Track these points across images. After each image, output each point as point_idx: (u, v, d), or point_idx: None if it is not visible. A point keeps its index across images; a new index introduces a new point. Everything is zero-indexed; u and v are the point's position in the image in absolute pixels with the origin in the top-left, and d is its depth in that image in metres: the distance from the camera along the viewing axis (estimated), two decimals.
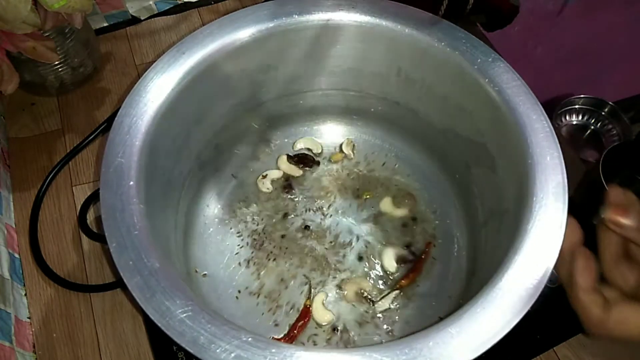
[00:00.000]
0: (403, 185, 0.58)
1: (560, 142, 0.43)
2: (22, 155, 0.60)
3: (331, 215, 0.56)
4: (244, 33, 0.49)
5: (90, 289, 0.52)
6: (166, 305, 0.35)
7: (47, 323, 0.51)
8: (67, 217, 0.56)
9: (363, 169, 0.59)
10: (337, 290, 0.51)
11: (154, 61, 0.47)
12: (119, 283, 0.52)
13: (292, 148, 0.60)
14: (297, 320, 0.49)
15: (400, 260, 0.53)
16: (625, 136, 1.10)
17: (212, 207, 0.56)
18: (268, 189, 0.57)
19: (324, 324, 0.49)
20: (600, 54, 1.09)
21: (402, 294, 0.51)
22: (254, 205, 0.56)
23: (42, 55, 0.52)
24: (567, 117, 1.15)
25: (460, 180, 0.55)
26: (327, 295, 0.51)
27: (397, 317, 0.50)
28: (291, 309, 0.50)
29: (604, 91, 1.15)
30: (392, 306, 0.50)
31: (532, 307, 0.36)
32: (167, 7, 0.72)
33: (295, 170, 0.58)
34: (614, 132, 1.12)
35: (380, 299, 0.50)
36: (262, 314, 0.50)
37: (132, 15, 0.71)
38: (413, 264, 0.52)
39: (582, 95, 1.12)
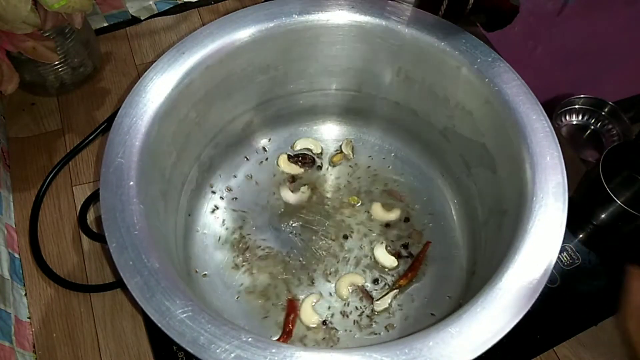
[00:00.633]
0: (402, 185, 0.58)
1: (560, 142, 0.43)
2: (22, 155, 0.60)
3: (330, 216, 0.56)
4: (244, 33, 0.49)
5: (90, 289, 0.52)
6: (166, 306, 0.35)
7: (47, 323, 0.51)
8: (67, 217, 0.56)
9: (362, 169, 0.59)
10: (333, 290, 0.51)
11: (154, 61, 0.47)
12: (119, 283, 0.52)
13: (292, 148, 0.60)
14: (287, 315, 0.49)
15: (398, 259, 0.53)
16: (625, 136, 1.09)
17: (212, 207, 0.56)
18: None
19: (311, 325, 0.49)
20: (600, 54, 1.09)
21: (401, 293, 0.51)
22: (254, 204, 0.56)
23: (42, 55, 0.52)
24: (567, 117, 1.15)
25: (460, 180, 0.55)
26: (319, 297, 0.51)
27: (396, 317, 0.50)
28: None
29: (604, 91, 1.15)
30: (391, 306, 0.50)
31: (532, 307, 0.36)
32: (167, 7, 0.72)
33: (295, 170, 0.58)
34: (614, 132, 1.11)
35: (379, 299, 0.50)
36: (262, 313, 0.50)
37: (132, 15, 0.71)
38: (411, 263, 0.52)
39: (582, 95, 1.12)
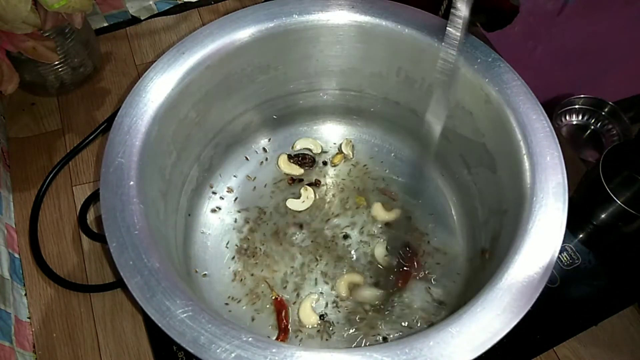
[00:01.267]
0: (402, 185, 0.58)
1: (560, 142, 0.43)
2: (22, 155, 0.60)
3: (330, 216, 0.56)
4: (244, 33, 0.49)
5: (90, 289, 0.52)
6: (166, 305, 0.35)
7: (47, 323, 0.51)
8: (67, 217, 0.56)
9: (362, 169, 0.59)
10: (333, 290, 0.51)
11: (154, 61, 0.47)
12: (119, 283, 0.52)
13: (292, 148, 0.60)
14: (278, 314, 0.49)
15: (398, 259, 0.53)
16: (625, 136, 1.10)
17: (212, 207, 0.56)
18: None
19: (309, 326, 0.49)
20: (600, 54, 1.09)
21: (400, 293, 0.51)
22: (254, 204, 0.56)
23: (42, 55, 0.52)
24: (567, 117, 1.15)
25: (460, 180, 0.55)
26: (319, 297, 0.51)
27: (395, 317, 0.50)
28: (292, 307, 0.50)
29: (604, 91, 1.15)
30: (390, 306, 0.50)
31: (532, 307, 0.36)
32: (167, 7, 0.72)
33: (295, 170, 0.58)
34: (614, 132, 1.11)
35: (378, 299, 0.50)
36: (262, 313, 0.50)
37: (132, 15, 0.71)
38: (407, 265, 0.52)
39: (582, 95, 1.12)
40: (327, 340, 0.49)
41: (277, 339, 0.48)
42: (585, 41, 1.03)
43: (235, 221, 0.55)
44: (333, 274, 0.52)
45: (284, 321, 0.49)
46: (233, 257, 0.53)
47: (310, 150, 0.60)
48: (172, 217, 0.48)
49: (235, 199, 0.56)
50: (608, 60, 1.13)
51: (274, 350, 0.33)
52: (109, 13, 0.70)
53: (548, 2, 0.90)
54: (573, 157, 0.60)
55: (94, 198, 0.56)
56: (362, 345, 0.48)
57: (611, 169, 0.53)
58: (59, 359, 0.49)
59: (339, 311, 0.50)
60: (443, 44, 0.43)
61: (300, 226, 0.55)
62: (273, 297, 0.50)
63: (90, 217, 0.55)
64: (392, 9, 0.51)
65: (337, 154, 0.60)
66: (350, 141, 0.60)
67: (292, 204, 0.56)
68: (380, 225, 0.55)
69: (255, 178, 0.58)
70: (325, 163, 0.59)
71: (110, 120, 0.62)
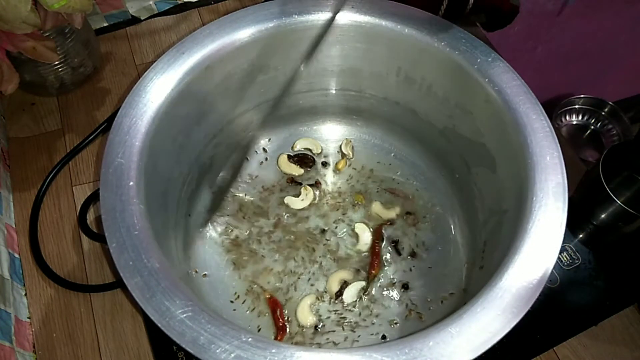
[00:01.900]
0: (402, 185, 0.58)
1: (560, 142, 0.43)
2: (22, 155, 0.60)
3: (330, 216, 0.56)
4: (244, 33, 0.49)
5: (90, 289, 0.52)
6: (166, 306, 0.35)
7: (47, 323, 0.51)
8: (67, 217, 0.56)
9: (362, 169, 0.59)
10: (329, 289, 0.51)
11: (154, 61, 0.47)
12: (119, 283, 0.52)
13: (292, 148, 0.60)
14: (273, 313, 0.49)
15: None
16: (625, 136, 1.10)
17: (211, 207, 0.55)
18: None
19: (307, 325, 0.49)
20: (600, 54, 1.09)
21: (399, 293, 0.51)
22: (254, 204, 0.56)
23: (42, 55, 0.52)
24: (567, 117, 1.15)
25: (460, 180, 0.55)
26: (316, 298, 0.50)
27: (395, 317, 0.50)
28: (290, 307, 0.50)
29: (604, 91, 1.15)
30: (390, 306, 0.50)
31: (532, 307, 0.36)
32: (167, 7, 0.72)
33: (295, 170, 0.58)
34: (614, 132, 1.12)
35: (376, 298, 0.50)
36: (262, 312, 0.50)
37: (132, 15, 0.71)
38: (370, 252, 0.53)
39: (582, 95, 1.12)
40: (326, 340, 0.49)
41: (275, 338, 0.48)
42: (585, 41, 1.03)
43: (235, 221, 0.55)
44: (332, 274, 0.52)
45: (280, 320, 0.49)
46: (233, 257, 0.53)
47: (310, 150, 0.60)
48: (172, 218, 0.48)
49: (235, 199, 0.56)
50: (608, 60, 1.13)
51: (273, 351, 0.33)
52: (109, 13, 0.69)
53: (548, 2, 0.90)
54: (573, 157, 0.60)
55: (94, 198, 0.56)
56: (362, 344, 0.48)
57: (611, 169, 0.53)
58: (59, 359, 0.49)
59: (338, 311, 0.50)
60: None
61: (300, 226, 0.55)
62: (267, 297, 0.50)
63: (90, 217, 0.55)
64: (392, 9, 0.51)
65: (340, 159, 0.59)
66: (350, 141, 0.60)
67: (292, 203, 0.56)
68: (379, 225, 0.55)
69: (255, 178, 0.58)
70: (325, 163, 0.59)
71: (110, 120, 0.62)
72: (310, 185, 0.57)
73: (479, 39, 0.49)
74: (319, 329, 0.49)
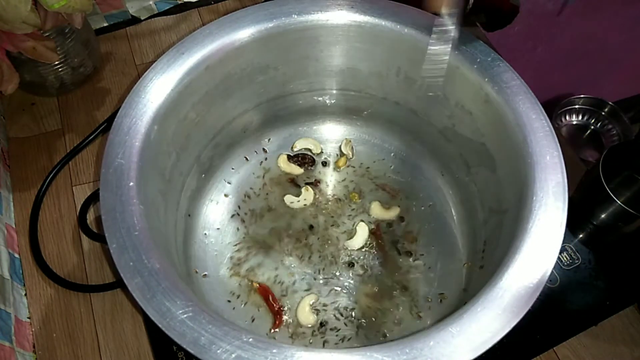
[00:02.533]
0: (402, 185, 0.58)
1: (560, 142, 0.43)
2: (22, 155, 0.60)
3: (330, 215, 0.56)
4: (244, 33, 0.49)
5: (90, 289, 0.52)
6: (167, 306, 0.35)
7: (47, 323, 0.51)
8: (67, 217, 0.56)
9: (362, 169, 0.59)
10: (331, 290, 0.51)
11: (154, 61, 0.47)
12: (119, 283, 0.52)
13: (292, 148, 0.60)
14: (266, 300, 0.50)
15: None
16: (625, 136, 1.10)
17: (211, 207, 0.56)
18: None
19: (307, 325, 0.49)
20: (600, 54, 1.09)
21: (399, 293, 0.51)
22: (254, 204, 0.56)
23: (42, 55, 0.52)
24: (567, 117, 1.15)
25: (460, 179, 0.55)
26: (316, 297, 0.50)
27: (394, 317, 0.50)
28: (290, 307, 0.50)
29: (604, 91, 1.15)
30: (389, 305, 0.50)
31: (532, 307, 0.36)
32: (167, 7, 0.72)
33: (295, 170, 0.58)
34: (614, 132, 1.11)
35: (377, 297, 0.50)
36: (262, 312, 0.50)
37: (132, 15, 0.71)
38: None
39: (582, 95, 1.12)
40: (326, 340, 0.49)
41: (274, 324, 0.49)
42: (585, 41, 1.03)
43: (235, 221, 0.55)
44: (333, 274, 0.52)
45: (274, 304, 0.49)
46: (233, 257, 0.53)
47: (310, 150, 0.60)
48: (172, 218, 0.48)
49: (235, 199, 0.56)
50: (608, 60, 1.13)
51: (274, 351, 0.33)
52: (109, 13, 0.69)
53: (548, 2, 0.90)
54: (573, 157, 0.60)
55: (94, 198, 0.56)
56: (362, 344, 0.48)
57: (611, 169, 0.53)
58: (59, 359, 0.49)
59: (338, 310, 0.50)
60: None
61: (300, 226, 0.55)
62: (256, 287, 0.50)
63: (90, 217, 0.55)
64: (392, 9, 0.51)
65: (340, 157, 0.59)
66: (350, 141, 0.60)
67: (292, 203, 0.56)
68: (379, 225, 0.55)
69: (255, 178, 0.58)
70: (325, 163, 0.59)
71: (110, 120, 0.62)
72: (310, 184, 0.57)
73: (479, 39, 0.49)
74: (320, 329, 0.49)
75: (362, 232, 0.54)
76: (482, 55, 0.48)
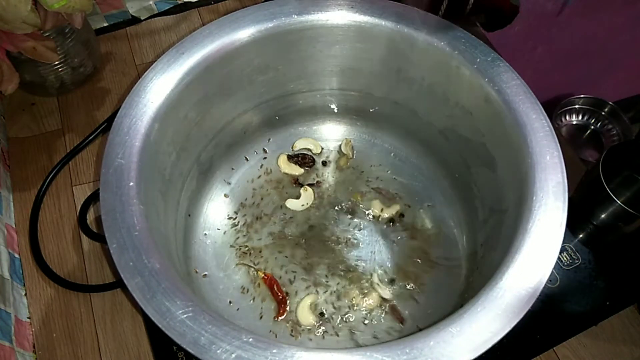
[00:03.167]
0: (402, 185, 0.58)
1: (560, 142, 0.43)
2: (22, 155, 0.60)
3: (329, 215, 0.56)
4: (244, 33, 0.49)
5: (90, 289, 0.52)
6: (167, 306, 0.35)
7: (47, 323, 0.51)
8: (67, 217, 0.56)
9: (362, 169, 0.59)
10: (331, 290, 0.51)
11: (154, 61, 0.47)
12: (119, 283, 0.52)
13: (292, 148, 0.60)
14: (271, 289, 0.51)
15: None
16: (625, 136, 1.10)
17: (212, 207, 0.56)
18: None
19: (307, 325, 0.49)
20: (600, 54, 1.09)
21: (399, 293, 0.51)
22: (254, 204, 0.56)
23: (42, 55, 0.52)
24: (567, 117, 1.15)
25: (460, 179, 0.55)
26: (316, 297, 0.50)
27: (394, 317, 0.50)
28: (290, 307, 0.50)
29: (604, 91, 1.15)
30: (389, 304, 0.50)
31: (532, 307, 0.36)
32: (167, 7, 0.72)
33: (295, 170, 0.58)
34: (614, 132, 1.12)
35: (377, 297, 0.50)
36: (263, 311, 0.50)
37: (132, 15, 0.71)
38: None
39: (582, 95, 1.12)
40: (327, 339, 0.49)
41: (278, 313, 0.49)
42: (585, 41, 1.03)
43: (235, 221, 0.55)
44: (332, 274, 0.52)
45: (279, 293, 0.50)
46: (233, 257, 0.53)
47: (310, 150, 0.60)
48: (172, 218, 0.48)
49: (235, 199, 0.56)
50: (608, 60, 1.13)
51: (274, 351, 0.33)
52: (109, 13, 0.69)
53: (548, 2, 0.90)
54: (573, 157, 0.60)
55: (94, 198, 0.56)
56: (362, 344, 0.48)
57: (611, 169, 0.52)
58: (59, 359, 0.49)
59: (337, 311, 0.50)
60: None
61: (300, 226, 0.55)
62: (261, 276, 0.51)
63: (90, 217, 0.55)
64: (391, 8, 0.51)
65: (341, 157, 0.59)
66: (350, 141, 0.60)
67: (292, 203, 0.56)
68: (378, 224, 0.55)
69: (255, 178, 0.58)
70: (324, 163, 0.59)
71: (110, 120, 0.62)
72: (310, 185, 0.57)
73: (479, 39, 0.49)
74: (320, 329, 0.49)
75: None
76: (482, 55, 0.48)
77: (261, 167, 0.59)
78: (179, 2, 0.72)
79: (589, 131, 1.14)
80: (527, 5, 0.86)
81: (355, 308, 0.50)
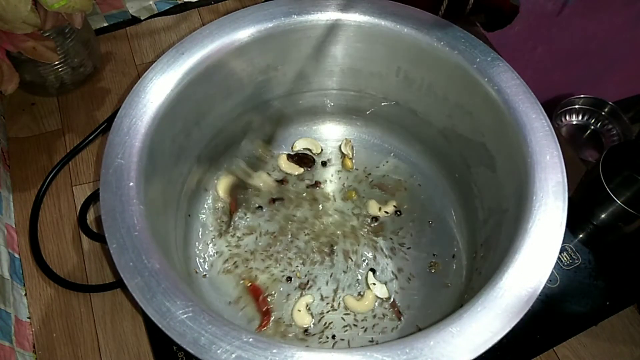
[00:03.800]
0: (401, 185, 0.58)
1: (560, 142, 0.43)
2: (22, 155, 0.60)
3: (329, 216, 0.56)
4: (244, 33, 0.49)
5: (90, 289, 0.52)
6: (167, 306, 0.35)
7: (47, 323, 0.51)
8: (67, 217, 0.56)
9: (362, 169, 0.59)
10: (328, 292, 0.51)
11: (154, 61, 0.47)
12: (119, 283, 0.52)
13: (292, 148, 0.60)
14: (256, 300, 0.50)
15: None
16: (625, 136, 1.10)
17: (211, 207, 0.55)
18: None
19: (304, 326, 0.49)
20: (600, 54, 1.09)
21: (399, 293, 0.51)
22: (254, 204, 0.56)
23: (42, 55, 0.52)
24: (567, 117, 1.15)
25: (460, 179, 0.55)
26: (312, 298, 0.50)
27: (394, 316, 0.50)
28: (286, 307, 0.50)
29: (604, 91, 1.15)
30: (389, 305, 0.50)
31: (532, 307, 0.36)
32: (167, 7, 0.72)
33: (295, 170, 0.58)
34: (614, 132, 1.12)
35: (378, 297, 0.50)
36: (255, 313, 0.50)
37: (132, 15, 0.71)
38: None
39: (582, 95, 1.12)
40: (324, 340, 0.49)
41: (260, 324, 0.48)
42: (585, 41, 1.03)
43: (235, 221, 0.55)
44: (332, 274, 0.52)
45: (263, 305, 0.49)
46: (233, 257, 0.53)
47: (310, 150, 0.60)
48: (172, 218, 0.48)
49: (235, 198, 0.56)
50: (608, 60, 1.13)
51: (274, 351, 0.33)
52: (109, 13, 0.69)
53: (548, 2, 0.90)
54: (573, 157, 0.60)
55: (94, 198, 0.56)
56: (362, 344, 0.48)
57: (611, 169, 0.53)
58: (59, 359, 0.49)
59: (334, 312, 0.50)
60: None
61: (300, 226, 0.55)
62: (248, 285, 0.50)
63: (90, 217, 0.55)
64: (391, 8, 0.51)
65: (346, 158, 0.59)
66: (350, 141, 0.60)
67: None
68: (379, 225, 0.55)
69: (254, 178, 0.58)
70: (324, 163, 0.59)
71: (110, 120, 0.62)
72: (310, 185, 0.57)
73: (479, 39, 0.49)
74: (316, 330, 0.49)
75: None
76: (482, 55, 0.48)
77: (261, 166, 0.59)
78: (179, 2, 0.72)
79: (589, 131, 1.14)
80: (527, 5, 0.86)
81: (350, 309, 0.50)
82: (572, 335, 0.50)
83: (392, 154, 0.60)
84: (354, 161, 0.59)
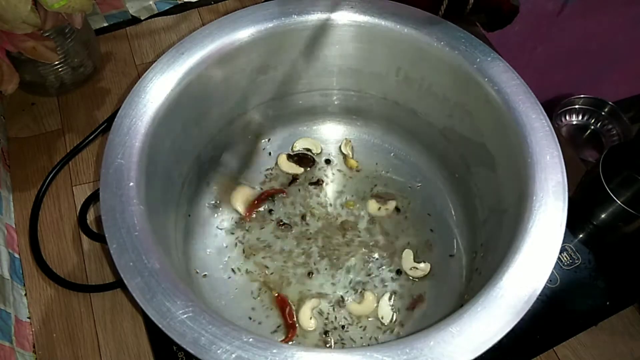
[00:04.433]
0: (401, 185, 0.58)
1: (560, 142, 0.43)
2: (22, 155, 0.60)
3: (329, 216, 0.56)
4: (244, 33, 0.49)
5: (90, 289, 0.52)
6: (167, 306, 0.35)
7: (47, 323, 0.51)
8: (67, 217, 0.56)
9: (361, 170, 0.59)
10: (332, 293, 0.51)
11: (154, 61, 0.47)
12: (119, 283, 0.52)
13: (292, 148, 0.60)
14: (282, 311, 0.49)
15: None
16: (625, 136, 1.10)
17: (212, 208, 0.55)
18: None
19: (309, 329, 0.49)
20: (600, 54, 1.09)
21: (399, 293, 0.51)
22: (254, 204, 0.56)
23: (42, 55, 0.52)
24: (567, 117, 1.15)
25: (460, 179, 0.55)
26: (318, 301, 0.50)
27: (394, 318, 0.50)
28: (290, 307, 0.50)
29: (604, 91, 1.15)
30: (388, 305, 0.50)
31: (532, 307, 0.36)
32: (167, 7, 0.72)
33: (295, 170, 0.58)
34: (614, 132, 1.12)
35: (379, 298, 0.50)
36: (263, 312, 0.50)
37: (132, 15, 0.71)
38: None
39: (582, 95, 1.12)
40: (328, 342, 0.49)
41: (286, 336, 0.48)
42: (585, 41, 1.04)
43: (235, 221, 0.55)
44: (333, 275, 0.52)
45: (290, 318, 0.49)
46: (233, 258, 0.53)
47: (310, 150, 0.60)
48: (172, 218, 0.48)
49: (235, 199, 0.56)
50: (608, 60, 1.13)
51: (274, 351, 0.33)
52: (109, 13, 0.69)
53: (548, 2, 0.90)
54: (573, 157, 0.60)
55: (94, 198, 0.56)
56: (361, 344, 0.48)
57: (611, 169, 0.53)
58: (59, 359, 0.49)
59: (339, 314, 0.50)
60: None
61: (300, 226, 0.55)
62: (275, 295, 0.50)
63: (90, 217, 0.55)
64: (391, 8, 0.51)
65: (349, 158, 0.59)
66: (350, 141, 0.60)
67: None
68: (379, 225, 0.55)
69: (254, 178, 0.58)
70: (327, 162, 0.59)
71: (110, 120, 0.62)
72: (310, 184, 0.57)
73: (479, 38, 0.49)
74: (321, 332, 0.49)
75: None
76: (482, 55, 0.48)
77: (261, 166, 0.59)
78: (179, 2, 0.72)
79: (589, 131, 1.14)
80: (527, 5, 0.86)
81: (351, 312, 0.50)
82: (572, 335, 0.50)
83: (392, 154, 0.60)
84: (353, 159, 0.59)
